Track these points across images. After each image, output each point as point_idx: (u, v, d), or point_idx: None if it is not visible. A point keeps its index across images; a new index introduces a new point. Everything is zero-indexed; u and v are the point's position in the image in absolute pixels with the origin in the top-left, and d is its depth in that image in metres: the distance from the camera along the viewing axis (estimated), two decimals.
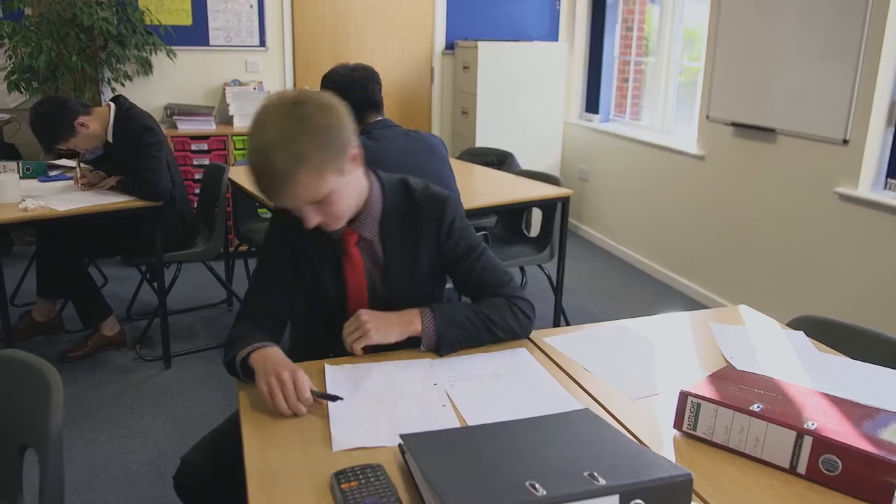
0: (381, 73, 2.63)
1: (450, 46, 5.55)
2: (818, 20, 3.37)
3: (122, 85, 4.83)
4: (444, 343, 1.58)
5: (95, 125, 3.19)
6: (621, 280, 4.68)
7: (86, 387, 3.12)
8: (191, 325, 3.76)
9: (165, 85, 5.11)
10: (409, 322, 1.58)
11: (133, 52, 4.79)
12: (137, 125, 3.20)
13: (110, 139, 3.24)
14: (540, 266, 3.58)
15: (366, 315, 1.56)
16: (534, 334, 1.71)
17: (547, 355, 1.61)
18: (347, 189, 1.49)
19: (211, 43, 5.13)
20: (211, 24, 5.10)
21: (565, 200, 3.35)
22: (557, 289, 3.50)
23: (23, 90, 4.63)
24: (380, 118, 2.53)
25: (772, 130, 3.69)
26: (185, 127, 4.86)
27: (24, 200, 2.93)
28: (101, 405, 2.98)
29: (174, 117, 4.88)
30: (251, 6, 5.16)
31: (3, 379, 1.50)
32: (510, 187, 3.42)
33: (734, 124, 3.95)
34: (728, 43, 3.96)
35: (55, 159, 3.94)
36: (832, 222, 3.41)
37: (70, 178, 3.46)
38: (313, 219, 1.48)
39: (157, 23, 4.89)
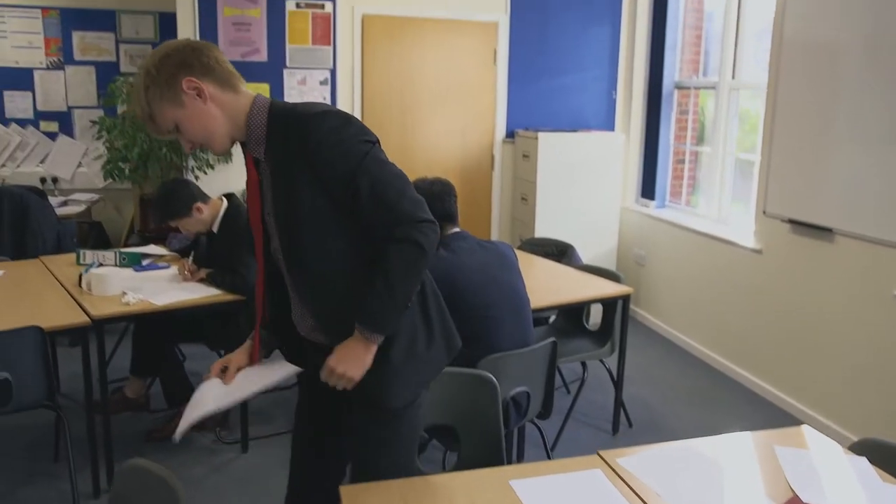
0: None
1: (510, 135, 5.81)
2: (875, 114, 3.47)
3: (205, 173, 5.18)
4: (389, 330, 1.70)
5: (207, 213, 3.48)
6: (679, 369, 4.74)
7: (169, 468, 3.30)
8: (267, 408, 3.95)
9: (243, 171, 5.44)
10: (368, 349, 1.69)
11: None
12: (246, 223, 3.50)
13: (215, 230, 3.53)
14: (600, 359, 3.69)
15: (333, 361, 1.71)
16: (607, 455, 1.84)
17: (620, 477, 1.74)
18: (193, 118, 1.67)
19: None
20: None
21: (626, 298, 3.47)
22: (618, 384, 3.59)
23: (116, 178, 5.04)
24: (456, 230, 2.73)
25: (829, 230, 3.77)
26: None
27: (125, 294, 3.20)
28: (185, 489, 3.15)
29: None
30: (324, 98, 5.51)
31: (130, 486, 1.70)
32: (571, 283, 3.56)
33: (791, 221, 4.05)
34: (784, 137, 4.08)
35: (141, 243, 4.26)
36: (892, 325, 3.45)
37: (161, 268, 3.74)
38: (184, 144, 1.75)
39: None
